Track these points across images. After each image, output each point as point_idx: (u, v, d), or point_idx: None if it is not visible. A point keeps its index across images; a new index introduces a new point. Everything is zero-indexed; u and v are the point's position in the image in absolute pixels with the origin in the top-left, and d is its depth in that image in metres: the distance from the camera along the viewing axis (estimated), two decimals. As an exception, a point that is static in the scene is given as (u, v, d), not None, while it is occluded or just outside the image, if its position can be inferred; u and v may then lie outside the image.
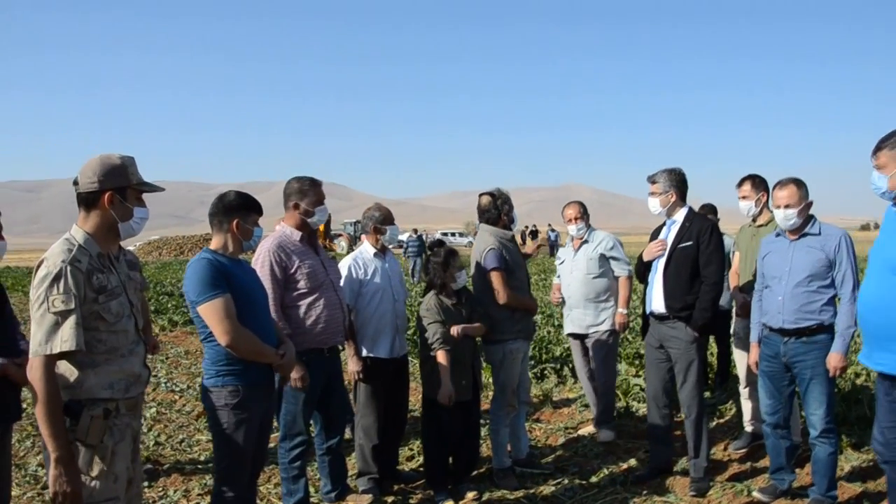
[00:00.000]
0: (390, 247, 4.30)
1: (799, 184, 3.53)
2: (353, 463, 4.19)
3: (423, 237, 22.51)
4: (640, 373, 5.90)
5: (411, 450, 4.67)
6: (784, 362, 3.54)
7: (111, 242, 2.40)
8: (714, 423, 5.03)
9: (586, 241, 4.88)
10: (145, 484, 4.13)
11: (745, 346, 4.27)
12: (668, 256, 3.90)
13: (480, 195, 4.31)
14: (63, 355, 2.15)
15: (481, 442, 4.37)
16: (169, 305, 13.22)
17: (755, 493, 3.74)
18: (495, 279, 4.00)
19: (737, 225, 4.96)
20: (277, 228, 3.62)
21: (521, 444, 4.41)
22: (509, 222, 4.21)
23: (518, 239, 4.60)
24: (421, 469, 4.25)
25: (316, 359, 3.50)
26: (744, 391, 4.59)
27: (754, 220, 4.42)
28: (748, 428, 4.54)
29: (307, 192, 3.60)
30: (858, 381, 5.51)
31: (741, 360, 4.56)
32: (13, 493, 3.88)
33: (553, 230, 32.86)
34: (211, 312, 2.71)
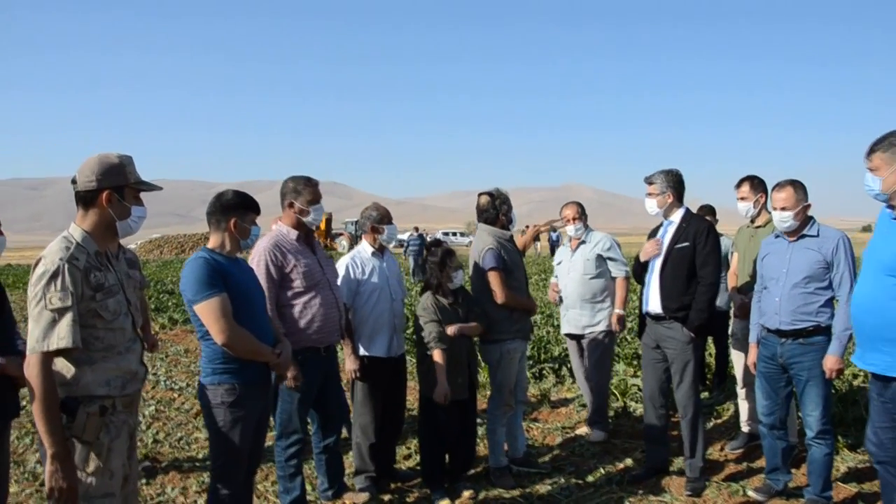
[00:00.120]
0: (390, 246, 4.31)
1: (797, 186, 3.54)
2: (350, 461, 4.20)
3: (425, 236, 22.46)
4: (638, 373, 5.90)
5: (408, 448, 4.68)
6: (781, 363, 3.55)
7: (109, 241, 2.41)
8: (711, 424, 5.05)
9: (583, 242, 4.90)
10: (143, 481, 4.15)
11: (743, 347, 4.28)
12: (664, 257, 3.91)
13: (479, 195, 4.32)
14: (60, 352, 2.16)
15: (478, 441, 4.39)
16: (169, 303, 13.27)
17: (750, 493, 3.76)
18: (493, 279, 4.01)
19: (735, 226, 4.97)
20: (274, 228, 3.63)
21: (518, 444, 4.42)
22: (508, 222, 4.22)
23: (517, 239, 4.61)
24: (418, 468, 4.26)
25: (312, 358, 3.50)
26: (741, 392, 4.60)
27: (752, 222, 4.43)
28: (745, 428, 4.56)
29: (302, 191, 3.60)
30: (856, 383, 5.52)
31: (739, 361, 4.57)
32: (11, 490, 3.90)
33: (554, 230, 32.76)
34: (207, 311, 2.72)
